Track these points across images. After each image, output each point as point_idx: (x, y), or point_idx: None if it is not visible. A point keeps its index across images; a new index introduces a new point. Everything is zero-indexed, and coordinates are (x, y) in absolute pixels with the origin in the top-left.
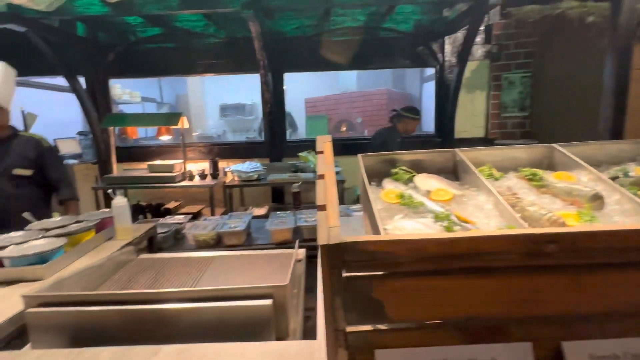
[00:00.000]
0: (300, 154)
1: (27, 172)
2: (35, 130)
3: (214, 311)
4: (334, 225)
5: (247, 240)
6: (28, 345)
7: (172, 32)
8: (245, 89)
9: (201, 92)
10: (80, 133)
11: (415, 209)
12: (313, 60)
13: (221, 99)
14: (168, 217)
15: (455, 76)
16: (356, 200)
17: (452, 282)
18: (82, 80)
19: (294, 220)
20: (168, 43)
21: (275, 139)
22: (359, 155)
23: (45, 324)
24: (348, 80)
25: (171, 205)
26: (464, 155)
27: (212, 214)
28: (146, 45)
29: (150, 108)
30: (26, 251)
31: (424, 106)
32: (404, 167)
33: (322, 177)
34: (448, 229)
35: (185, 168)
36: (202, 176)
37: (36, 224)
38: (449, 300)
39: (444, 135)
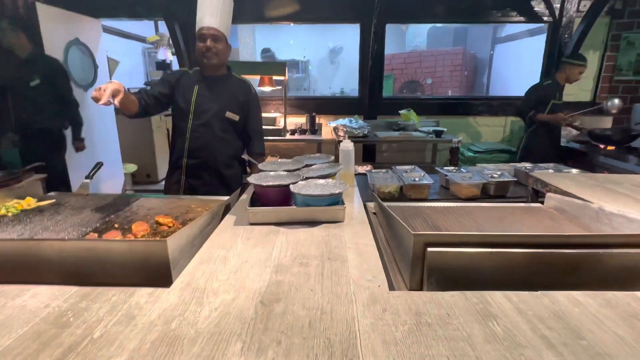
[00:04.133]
0: (401, 111)
1: (236, 117)
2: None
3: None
4: None
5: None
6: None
7: None
8: (299, 44)
9: (252, 47)
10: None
11: None
12: (416, 10)
13: (274, 54)
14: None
15: (578, 34)
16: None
17: None
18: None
19: (479, 176)
20: None
21: (373, 96)
22: None
23: (442, 264)
24: (416, 38)
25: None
26: None
27: None
28: None
29: None
30: (323, 190)
31: (495, 70)
32: None
33: None
34: None
35: (285, 122)
36: (302, 131)
37: (267, 164)
38: None
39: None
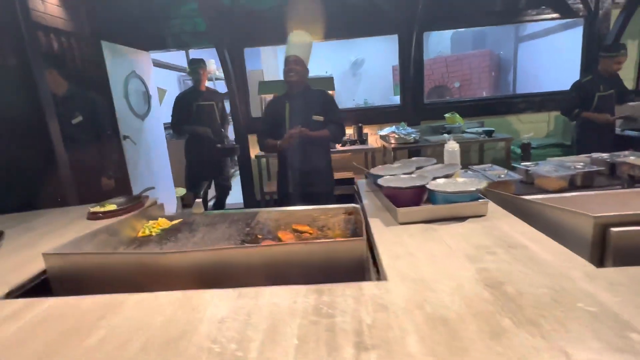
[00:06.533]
0: (446, 115)
1: (320, 118)
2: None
3: None
4: None
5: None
6: None
7: None
8: (321, 59)
9: (275, 67)
10: None
11: None
12: (453, 17)
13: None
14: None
15: (618, 25)
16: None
17: None
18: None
19: (562, 168)
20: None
21: (415, 103)
22: None
23: (627, 243)
24: (440, 44)
25: None
26: None
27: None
28: (279, 10)
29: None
30: (463, 187)
31: (520, 68)
32: None
33: None
34: None
35: None
36: (351, 142)
37: (379, 169)
38: None
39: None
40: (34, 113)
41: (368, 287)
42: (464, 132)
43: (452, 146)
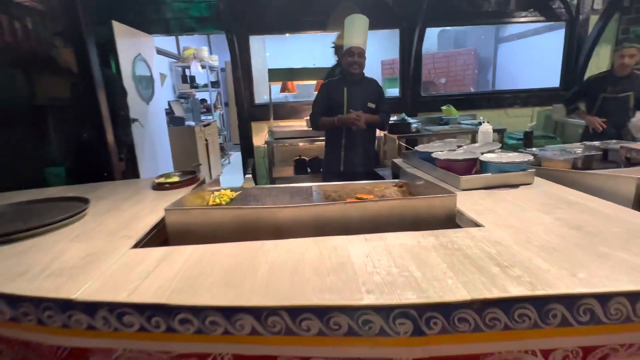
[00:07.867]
0: (443, 107)
1: (373, 106)
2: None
3: None
4: None
5: None
6: None
7: None
8: (307, 51)
9: (263, 57)
10: (180, 97)
11: None
12: (452, 14)
13: (284, 63)
14: None
15: (596, 30)
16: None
17: None
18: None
19: (565, 153)
20: None
21: (414, 95)
22: None
23: None
24: (426, 42)
25: None
26: None
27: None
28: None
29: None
30: (514, 159)
31: (499, 67)
32: None
33: None
34: None
35: None
36: None
37: (423, 147)
38: None
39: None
40: (87, 93)
41: (473, 231)
42: (459, 123)
43: (486, 128)
